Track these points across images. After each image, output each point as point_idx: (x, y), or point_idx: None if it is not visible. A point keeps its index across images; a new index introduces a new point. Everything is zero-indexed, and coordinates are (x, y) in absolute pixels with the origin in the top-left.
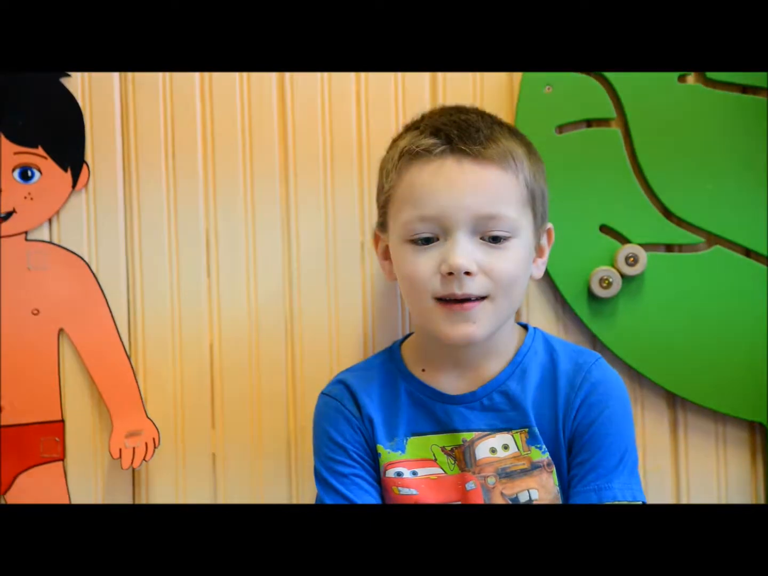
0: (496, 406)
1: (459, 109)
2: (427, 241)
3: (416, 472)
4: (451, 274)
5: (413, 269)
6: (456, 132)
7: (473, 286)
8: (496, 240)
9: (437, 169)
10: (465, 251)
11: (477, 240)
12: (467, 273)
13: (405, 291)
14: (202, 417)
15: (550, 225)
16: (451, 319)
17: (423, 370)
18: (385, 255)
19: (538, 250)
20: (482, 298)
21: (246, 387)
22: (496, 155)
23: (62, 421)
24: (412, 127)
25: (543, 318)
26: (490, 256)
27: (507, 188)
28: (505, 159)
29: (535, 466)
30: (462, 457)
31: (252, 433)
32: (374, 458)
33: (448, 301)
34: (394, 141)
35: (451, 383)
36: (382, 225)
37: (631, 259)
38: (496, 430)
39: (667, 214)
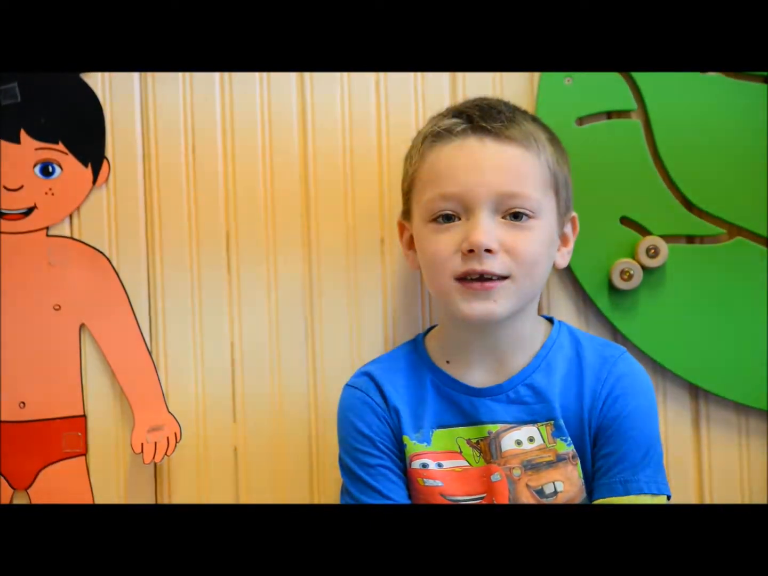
0: (522, 398)
1: (482, 98)
2: (449, 218)
3: (441, 464)
4: (471, 251)
5: (434, 249)
6: (478, 112)
7: (495, 264)
8: (517, 217)
9: (459, 147)
10: (486, 229)
11: (499, 219)
12: (488, 251)
13: (426, 273)
14: (224, 411)
15: (574, 214)
16: (470, 298)
17: (447, 362)
18: (410, 245)
19: (563, 239)
20: (504, 278)
21: (267, 381)
22: (518, 135)
23: (84, 416)
24: (438, 114)
25: (564, 311)
26: (512, 235)
27: (529, 167)
28: (526, 139)
29: (560, 458)
30: (487, 449)
31: (273, 427)
32: (400, 449)
33: (468, 280)
34: (419, 131)
35: (476, 376)
36: (406, 212)
37: (652, 251)
38: (521, 422)
39: (688, 205)
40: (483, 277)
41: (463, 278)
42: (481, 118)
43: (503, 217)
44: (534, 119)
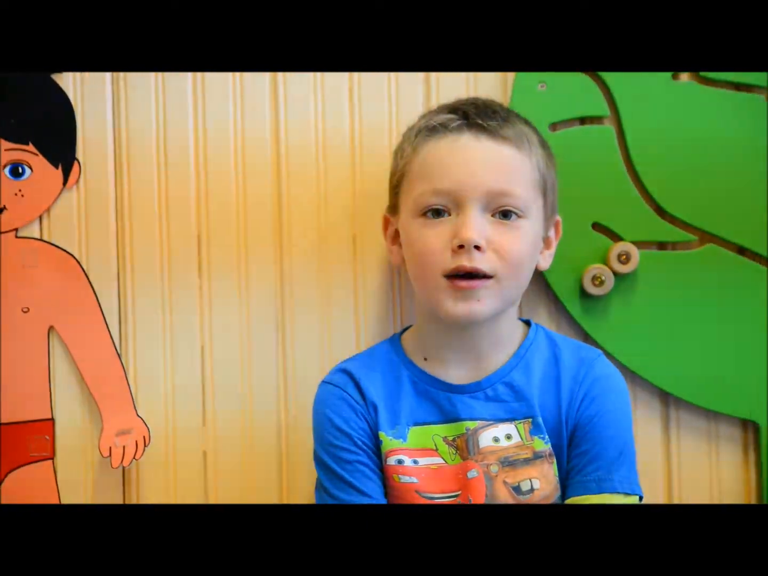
0: (500, 396)
1: (475, 97)
2: (438, 214)
3: (417, 461)
4: (461, 247)
5: (424, 244)
6: (474, 110)
7: (482, 262)
8: (506, 216)
9: (453, 143)
10: (477, 225)
11: (488, 217)
12: (477, 247)
13: (413, 268)
14: (193, 415)
15: (558, 217)
16: (456, 296)
17: (425, 359)
18: (394, 240)
19: (546, 242)
20: (489, 277)
21: (237, 384)
22: (512, 134)
23: (52, 419)
24: (429, 111)
25: (536, 316)
26: (500, 234)
27: (521, 167)
28: (520, 139)
29: (537, 456)
30: (464, 446)
31: (243, 431)
32: (377, 445)
33: (455, 277)
34: (410, 126)
35: (454, 373)
36: (393, 207)
37: (624, 256)
38: (499, 420)
39: (660, 212)
40: (469, 275)
41: (451, 276)
42: (477, 115)
43: (492, 215)
44: (526, 121)
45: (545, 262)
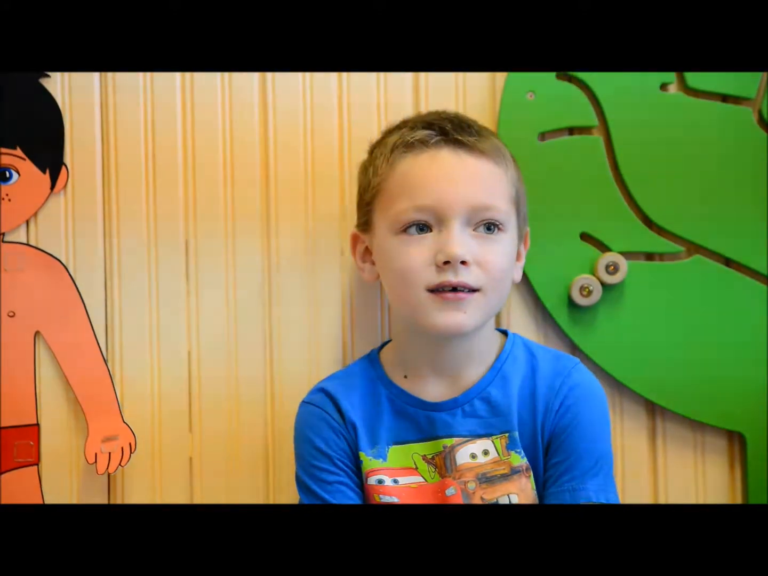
0: (478, 412)
1: (443, 111)
2: (421, 230)
3: (397, 480)
4: (447, 263)
5: (406, 261)
6: (450, 125)
7: (469, 277)
8: (489, 229)
9: (433, 158)
10: (462, 241)
11: (470, 231)
12: (463, 262)
13: (394, 285)
14: (180, 421)
15: (527, 229)
16: (442, 309)
17: (405, 377)
18: (364, 257)
19: (517, 254)
20: (475, 290)
21: (224, 391)
22: (489, 148)
23: (37, 424)
24: (398, 126)
25: (523, 326)
26: (483, 248)
27: (499, 181)
28: (496, 153)
29: (514, 471)
30: (442, 464)
31: (229, 438)
32: (357, 465)
33: (440, 291)
34: (378, 142)
35: (431, 390)
36: (365, 224)
37: (612, 267)
38: (476, 436)
39: (648, 222)
40: (455, 289)
41: (435, 290)
42: (455, 130)
43: (474, 230)
44: (495, 135)
45: (517, 274)
